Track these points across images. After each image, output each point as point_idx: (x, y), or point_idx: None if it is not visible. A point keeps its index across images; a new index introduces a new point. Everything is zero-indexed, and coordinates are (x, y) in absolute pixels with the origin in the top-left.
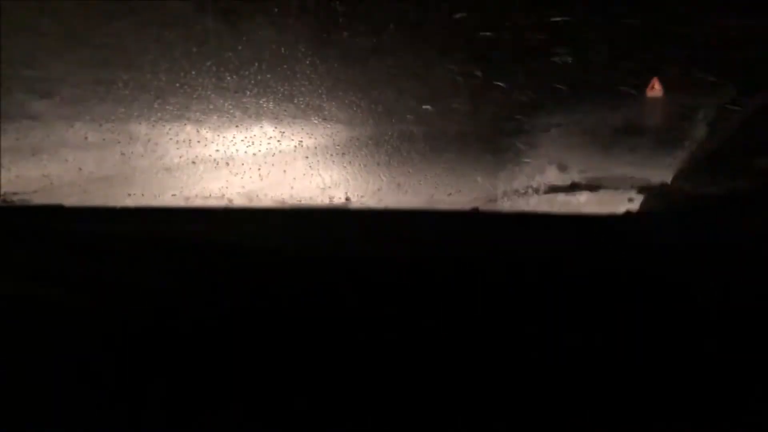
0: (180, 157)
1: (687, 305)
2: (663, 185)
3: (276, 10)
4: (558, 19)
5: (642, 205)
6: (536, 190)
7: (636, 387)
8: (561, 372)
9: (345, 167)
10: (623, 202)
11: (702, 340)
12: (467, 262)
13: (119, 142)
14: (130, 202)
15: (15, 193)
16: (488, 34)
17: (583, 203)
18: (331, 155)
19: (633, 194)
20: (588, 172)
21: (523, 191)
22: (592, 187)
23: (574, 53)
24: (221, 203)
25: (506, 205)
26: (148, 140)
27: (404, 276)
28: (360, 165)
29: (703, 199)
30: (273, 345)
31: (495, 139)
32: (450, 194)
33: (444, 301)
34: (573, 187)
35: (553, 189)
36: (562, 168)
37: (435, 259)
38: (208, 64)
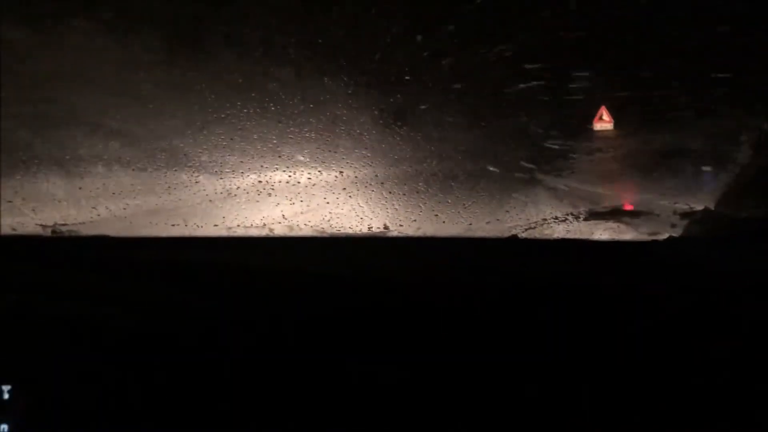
0: (223, 187)
1: (731, 330)
2: (706, 210)
3: (319, 41)
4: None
5: (685, 230)
6: (576, 217)
7: (680, 404)
8: (598, 391)
9: (384, 196)
10: (666, 228)
11: (749, 365)
12: (507, 288)
13: (165, 174)
14: (173, 232)
15: (64, 224)
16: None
17: (625, 229)
18: (371, 185)
19: (676, 219)
20: (630, 198)
21: (563, 218)
22: (634, 213)
23: (615, 80)
24: (262, 232)
25: (546, 232)
26: (193, 171)
27: (443, 301)
28: (399, 194)
29: (746, 224)
30: (313, 369)
31: (535, 166)
32: (488, 222)
33: (485, 327)
34: (614, 213)
35: (594, 215)
36: (604, 194)
37: (475, 285)
38: (252, 94)
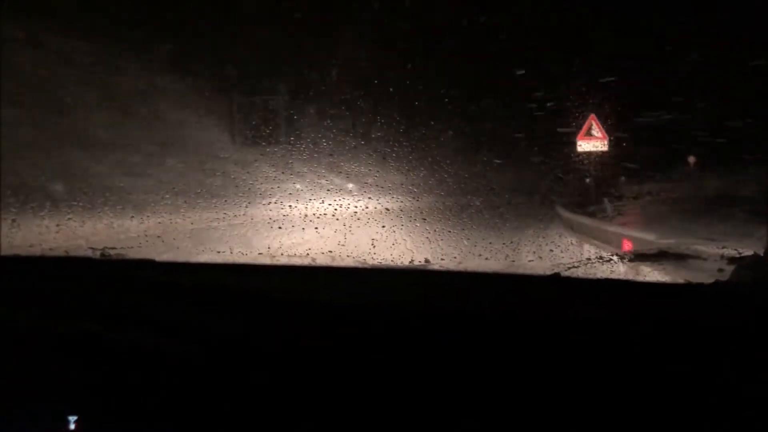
0: (270, 217)
1: None
2: (755, 256)
3: (375, 81)
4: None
5: (732, 275)
6: (621, 257)
7: None
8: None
9: (428, 230)
10: (713, 272)
11: None
12: (547, 326)
13: (214, 203)
14: (218, 258)
15: (113, 248)
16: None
17: (671, 271)
18: (415, 219)
19: (723, 264)
20: (677, 241)
21: (607, 258)
22: (681, 255)
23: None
24: (305, 262)
25: (590, 272)
26: (242, 201)
27: (481, 337)
28: (441, 229)
29: None
30: (350, 400)
31: (581, 207)
32: (531, 260)
33: (525, 363)
34: (660, 255)
35: (639, 256)
36: (651, 236)
37: (515, 322)
38: (307, 130)
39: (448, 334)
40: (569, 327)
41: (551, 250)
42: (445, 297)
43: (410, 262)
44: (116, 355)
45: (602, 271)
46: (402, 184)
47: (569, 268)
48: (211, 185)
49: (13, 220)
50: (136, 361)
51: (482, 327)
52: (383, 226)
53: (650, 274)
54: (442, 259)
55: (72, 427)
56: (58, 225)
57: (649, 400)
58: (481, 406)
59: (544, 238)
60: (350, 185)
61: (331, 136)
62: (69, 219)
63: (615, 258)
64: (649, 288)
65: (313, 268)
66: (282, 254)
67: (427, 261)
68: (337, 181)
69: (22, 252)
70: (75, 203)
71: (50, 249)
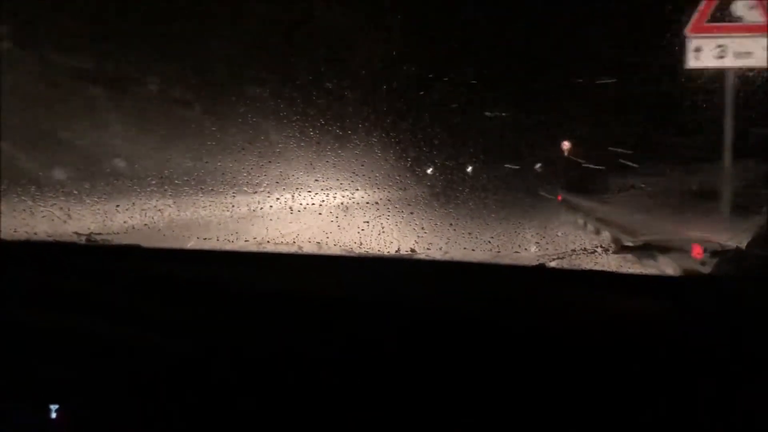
0: (257, 205)
1: (760, 374)
2: (737, 250)
3: (362, 72)
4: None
5: (714, 268)
6: (606, 249)
7: None
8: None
9: (414, 220)
10: (695, 265)
11: None
12: (532, 318)
13: (200, 190)
14: (205, 245)
15: (99, 233)
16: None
17: (654, 264)
18: (402, 209)
19: (706, 257)
20: (661, 233)
21: (592, 249)
22: (664, 248)
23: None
24: (291, 249)
25: (574, 263)
26: (229, 189)
27: (465, 326)
28: (428, 219)
29: None
30: (337, 392)
31: (568, 198)
32: (516, 251)
33: (508, 358)
34: (644, 248)
35: (624, 248)
36: (635, 228)
37: (499, 314)
38: (294, 119)
39: (437, 325)
40: (555, 319)
41: (537, 242)
42: (431, 286)
43: (397, 251)
44: (99, 347)
45: (587, 263)
46: (389, 175)
47: (554, 259)
48: (198, 173)
49: None
50: (119, 354)
51: (467, 317)
52: (369, 217)
53: (633, 265)
54: (428, 249)
55: (53, 415)
56: (43, 210)
57: (640, 392)
58: (469, 401)
59: (530, 229)
60: (337, 174)
61: (318, 125)
62: (54, 204)
63: (599, 249)
64: (632, 279)
65: (299, 256)
66: (268, 242)
67: (413, 250)
68: (323, 170)
69: (7, 237)
70: (60, 188)
71: (35, 234)
